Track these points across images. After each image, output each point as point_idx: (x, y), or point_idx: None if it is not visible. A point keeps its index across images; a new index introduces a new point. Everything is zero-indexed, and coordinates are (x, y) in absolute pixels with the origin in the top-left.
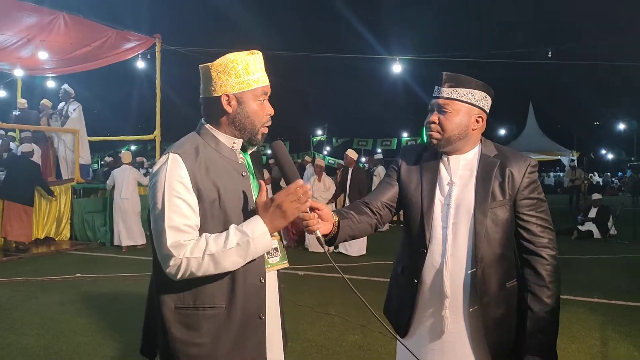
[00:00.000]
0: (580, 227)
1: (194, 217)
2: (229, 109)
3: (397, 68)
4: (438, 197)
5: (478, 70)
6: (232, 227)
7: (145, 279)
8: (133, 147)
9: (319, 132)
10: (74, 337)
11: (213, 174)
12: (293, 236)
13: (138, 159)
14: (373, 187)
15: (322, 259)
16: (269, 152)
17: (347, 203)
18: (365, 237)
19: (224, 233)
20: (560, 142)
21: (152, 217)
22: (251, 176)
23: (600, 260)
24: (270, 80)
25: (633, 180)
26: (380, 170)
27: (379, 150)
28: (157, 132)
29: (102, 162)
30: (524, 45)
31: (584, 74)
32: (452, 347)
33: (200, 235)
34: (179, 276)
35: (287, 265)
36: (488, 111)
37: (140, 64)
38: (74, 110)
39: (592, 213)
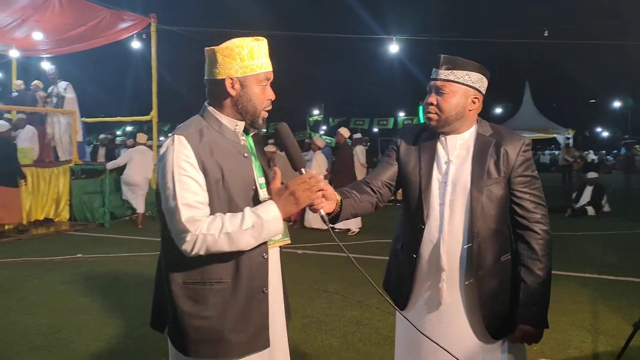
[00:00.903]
0: (574, 205)
1: (203, 194)
2: (232, 92)
3: (394, 48)
4: (436, 176)
5: (474, 49)
6: (247, 209)
7: (145, 259)
8: (129, 128)
9: (316, 111)
10: (77, 316)
11: (217, 155)
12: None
13: (129, 141)
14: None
15: (321, 237)
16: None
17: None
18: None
19: (239, 214)
20: (556, 120)
21: (162, 197)
22: (253, 157)
23: (592, 237)
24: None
25: (626, 157)
26: (358, 150)
27: (375, 130)
28: (154, 112)
29: (99, 142)
30: (521, 25)
31: (581, 52)
32: (449, 318)
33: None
34: (194, 252)
35: (289, 241)
36: (484, 92)
37: (136, 44)
38: (64, 89)
39: (588, 191)
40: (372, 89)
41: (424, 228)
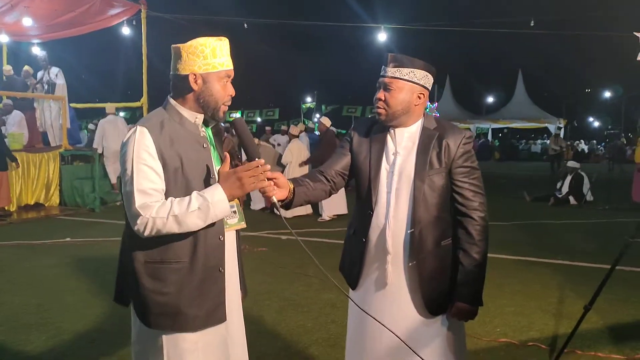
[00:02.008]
0: (557, 194)
1: (160, 182)
2: (195, 87)
3: (382, 37)
4: (384, 166)
5: (465, 39)
6: (194, 192)
7: None
8: (121, 114)
9: (309, 99)
10: (64, 297)
11: (176, 145)
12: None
13: (130, 126)
14: None
15: (303, 224)
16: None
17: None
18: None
19: (187, 197)
20: (549, 110)
21: (122, 182)
22: (212, 148)
23: (571, 225)
24: (260, 49)
25: (617, 147)
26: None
27: (369, 117)
28: (144, 99)
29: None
30: (509, 14)
31: (572, 43)
32: (393, 296)
33: (165, 199)
34: (146, 233)
35: (244, 226)
36: (430, 88)
37: (126, 31)
38: (56, 75)
39: (567, 180)
40: (365, 76)
41: (372, 214)
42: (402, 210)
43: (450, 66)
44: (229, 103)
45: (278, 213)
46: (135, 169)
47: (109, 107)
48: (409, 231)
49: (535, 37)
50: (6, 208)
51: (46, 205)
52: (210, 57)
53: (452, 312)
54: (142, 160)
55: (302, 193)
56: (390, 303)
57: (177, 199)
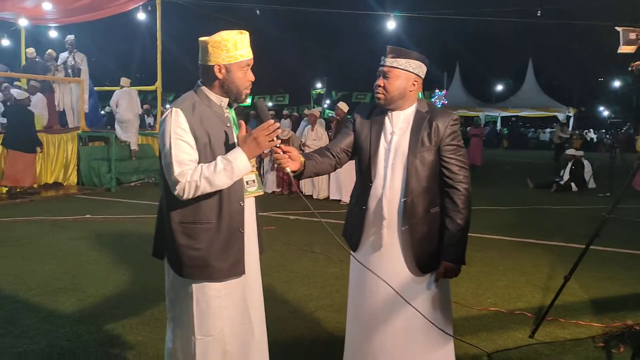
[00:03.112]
0: (559, 181)
1: (194, 153)
2: (219, 76)
3: (392, 24)
4: (382, 144)
5: (473, 27)
6: (219, 157)
7: (149, 220)
8: None
9: (319, 85)
10: (88, 266)
11: (205, 124)
12: (285, 183)
13: (145, 106)
14: None
15: (312, 205)
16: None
17: None
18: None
19: (214, 162)
20: (559, 98)
21: (162, 155)
22: (234, 126)
23: (570, 210)
24: (271, 35)
25: (626, 137)
26: None
27: (371, 102)
28: (158, 83)
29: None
30: (520, 2)
31: (584, 31)
32: (388, 256)
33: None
34: (185, 196)
35: (262, 193)
36: (423, 76)
37: (142, 16)
38: (81, 61)
39: (567, 169)
40: (374, 63)
41: (371, 185)
42: (397, 181)
43: (460, 54)
44: (250, 87)
45: (300, 193)
46: (173, 144)
47: (124, 80)
48: (402, 200)
49: (546, 26)
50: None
51: (65, 184)
52: (232, 50)
53: (439, 270)
54: (178, 135)
55: (312, 166)
56: (386, 262)
57: (206, 164)
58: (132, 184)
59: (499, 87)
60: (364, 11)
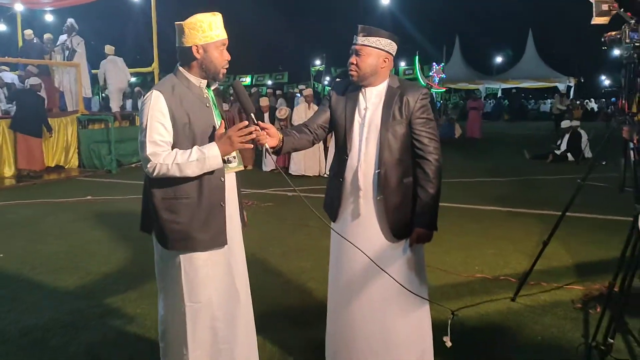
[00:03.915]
0: (556, 152)
1: (167, 136)
2: (197, 56)
3: None
4: (357, 119)
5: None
6: (195, 147)
7: None
8: (133, 79)
9: (318, 62)
10: (89, 246)
11: (185, 105)
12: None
13: (136, 89)
14: None
15: (307, 182)
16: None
17: None
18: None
19: (189, 150)
20: (560, 68)
21: (139, 131)
22: (213, 106)
23: (565, 180)
24: (269, 13)
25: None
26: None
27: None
28: (155, 64)
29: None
30: None
31: None
32: (365, 225)
33: (172, 150)
34: (154, 175)
35: (242, 168)
36: (394, 54)
37: None
38: (78, 44)
39: (565, 139)
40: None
41: (347, 159)
42: (371, 154)
43: (460, 26)
44: (227, 66)
45: (271, 159)
46: (149, 124)
47: (109, 48)
48: (376, 171)
49: None
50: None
51: (66, 167)
52: (207, 30)
53: (413, 236)
54: (154, 117)
55: (290, 142)
56: (363, 230)
57: (181, 150)
58: (133, 165)
59: (499, 59)
60: None
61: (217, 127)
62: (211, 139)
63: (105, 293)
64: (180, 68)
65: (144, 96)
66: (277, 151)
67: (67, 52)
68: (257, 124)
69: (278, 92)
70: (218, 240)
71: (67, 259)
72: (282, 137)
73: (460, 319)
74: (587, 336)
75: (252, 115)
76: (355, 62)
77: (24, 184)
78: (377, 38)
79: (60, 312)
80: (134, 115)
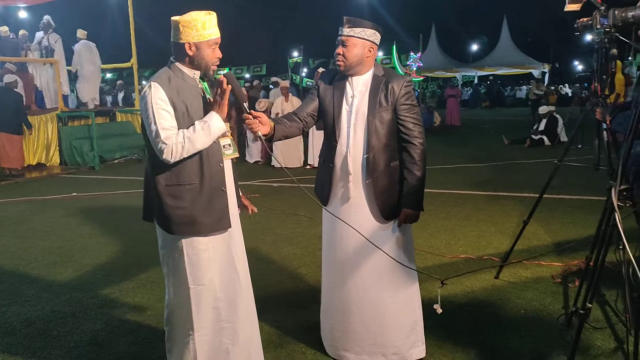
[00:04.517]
0: (533, 136)
1: (173, 121)
2: (190, 53)
3: None
4: (344, 107)
5: None
6: (195, 122)
7: (135, 195)
8: (109, 75)
9: (295, 53)
10: (81, 240)
11: (182, 95)
12: (264, 154)
13: (118, 82)
14: None
15: (293, 173)
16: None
17: None
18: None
19: (191, 126)
20: (534, 55)
21: (146, 125)
22: (208, 96)
23: (542, 164)
24: (245, 4)
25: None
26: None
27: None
28: (134, 59)
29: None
30: None
31: None
32: (355, 207)
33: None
34: (172, 158)
35: (237, 155)
36: (378, 43)
37: None
38: (55, 42)
39: (543, 124)
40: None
41: (336, 145)
42: (359, 140)
43: (436, 15)
44: (217, 63)
45: (269, 151)
46: (156, 113)
47: (81, 32)
48: (365, 156)
49: None
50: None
51: (48, 165)
52: (201, 29)
53: (401, 217)
54: (158, 105)
55: (281, 130)
56: (354, 213)
57: (185, 129)
58: (116, 161)
59: (475, 47)
60: None
61: None
62: None
63: (102, 284)
64: (175, 62)
65: (130, 90)
66: (269, 138)
67: (44, 51)
68: (249, 113)
69: (256, 82)
70: (221, 223)
71: (61, 253)
72: (274, 125)
73: (447, 297)
74: (567, 307)
75: (245, 104)
76: (342, 53)
77: (6, 183)
78: (362, 29)
79: (59, 303)
80: (114, 111)
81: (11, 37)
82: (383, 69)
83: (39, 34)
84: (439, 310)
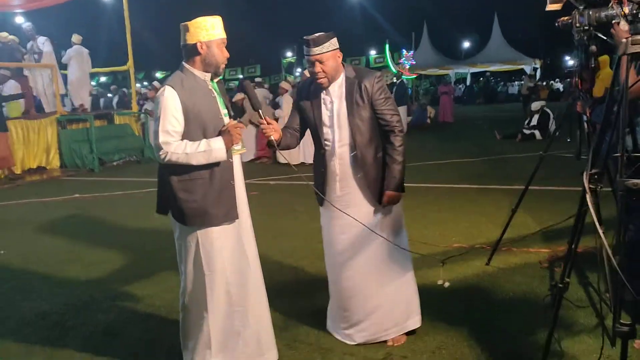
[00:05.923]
0: (525, 131)
1: (179, 127)
2: (201, 52)
3: None
4: (324, 112)
5: None
6: (203, 140)
7: (137, 196)
8: (103, 79)
9: (289, 54)
10: (87, 239)
11: (194, 96)
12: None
13: (112, 87)
14: None
15: (291, 171)
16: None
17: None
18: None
19: (198, 142)
20: (526, 51)
21: (154, 124)
22: (218, 97)
23: (533, 157)
24: (238, 5)
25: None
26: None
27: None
28: (130, 62)
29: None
30: None
31: None
32: (350, 201)
33: (182, 140)
34: (164, 161)
35: (245, 151)
36: (339, 46)
37: None
38: (43, 43)
39: (535, 119)
40: (343, 28)
41: (324, 151)
42: (345, 140)
43: (428, 12)
44: (226, 62)
45: (276, 149)
46: (163, 115)
47: (76, 37)
48: (352, 154)
49: None
50: (15, 172)
51: (48, 168)
52: (210, 29)
53: (384, 199)
54: (168, 109)
55: (287, 138)
56: (351, 208)
57: (190, 142)
58: (115, 163)
59: (467, 44)
60: None
61: (222, 115)
62: (218, 125)
63: (111, 279)
64: (185, 64)
65: (128, 92)
66: (278, 144)
67: (36, 56)
68: (264, 118)
69: (258, 79)
70: (230, 214)
71: (68, 251)
72: (282, 133)
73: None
74: (553, 289)
75: (260, 111)
76: (321, 70)
77: (9, 186)
78: (327, 42)
79: (72, 298)
80: (112, 114)
81: (10, 43)
82: (353, 69)
83: (29, 44)
84: (446, 284)
